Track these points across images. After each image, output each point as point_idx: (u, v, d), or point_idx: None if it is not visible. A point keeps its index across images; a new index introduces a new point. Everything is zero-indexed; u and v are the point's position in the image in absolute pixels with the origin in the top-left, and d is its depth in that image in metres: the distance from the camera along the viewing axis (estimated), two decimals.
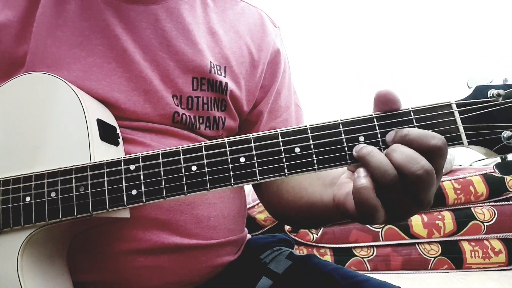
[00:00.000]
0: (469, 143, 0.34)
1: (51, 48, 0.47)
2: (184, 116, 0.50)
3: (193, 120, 0.51)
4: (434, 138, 0.32)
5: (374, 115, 0.35)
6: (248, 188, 0.63)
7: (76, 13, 0.48)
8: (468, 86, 0.35)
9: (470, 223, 1.41)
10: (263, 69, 0.57)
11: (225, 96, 0.53)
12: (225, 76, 0.53)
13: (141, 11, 0.50)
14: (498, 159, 0.34)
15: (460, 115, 0.34)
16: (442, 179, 1.46)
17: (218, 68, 0.53)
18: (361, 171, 0.33)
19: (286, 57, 0.63)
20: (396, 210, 0.34)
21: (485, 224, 1.41)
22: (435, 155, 0.32)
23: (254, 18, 0.59)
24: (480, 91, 0.35)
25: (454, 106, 0.34)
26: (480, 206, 1.44)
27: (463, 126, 0.34)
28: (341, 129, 0.35)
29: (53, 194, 0.39)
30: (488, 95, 0.34)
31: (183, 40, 0.51)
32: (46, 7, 0.48)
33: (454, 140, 0.34)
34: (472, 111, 0.34)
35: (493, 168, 0.33)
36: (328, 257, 1.44)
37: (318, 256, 0.73)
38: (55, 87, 0.43)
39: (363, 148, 0.34)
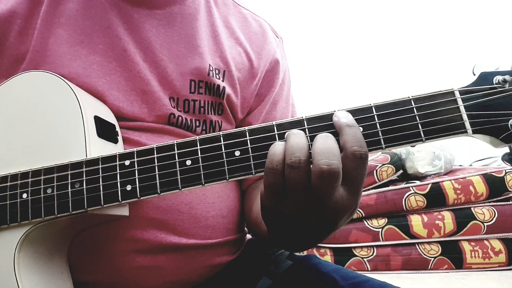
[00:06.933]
0: (474, 132, 0.30)
1: (53, 46, 0.45)
2: (180, 118, 0.48)
3: (189, 122, 0.49)
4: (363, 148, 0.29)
5: (372, 105, 0.32)
6: None
7: (78, 12, 0.46)
8: (473, 73, 0.31)
9: (470, 223, 1.36)
10: (260, 77, 0.55)
11: (222, 100, 0.51)
12: (223, 81, 0.51)
13: (145, 14, 0.48)
14: (506, 149, 0.30)
15: (463, 103, 0.30)
16: (442, 179, 1.40)
17: (217, 72, 0.50)
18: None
19: (286, 69, 0.60)
20: (296, 196, 0.30)
21: (485, 224, 1.35)
22: (358, 162, 0.30)
23: (256, 26, 0.57)
24: (485, 77, 0.31)
25: (457, 94, 0.31)
26: (480, 206, 1.38)
27: (467, 114, 0.30)
28: None
29: (49, 191, 0.37)
30: (494, 82, 0.30)
31: (184, 44, 0.49)
32: (49, 6, 0.46)
33: (458, 128, 0.30)
34: (476, 98, 0.30)
35: (502, 160, 0.29)
36: (328, 257, 1.39)
37: (318, 256, 0.69)
38: (52, 85, 0.41)
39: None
